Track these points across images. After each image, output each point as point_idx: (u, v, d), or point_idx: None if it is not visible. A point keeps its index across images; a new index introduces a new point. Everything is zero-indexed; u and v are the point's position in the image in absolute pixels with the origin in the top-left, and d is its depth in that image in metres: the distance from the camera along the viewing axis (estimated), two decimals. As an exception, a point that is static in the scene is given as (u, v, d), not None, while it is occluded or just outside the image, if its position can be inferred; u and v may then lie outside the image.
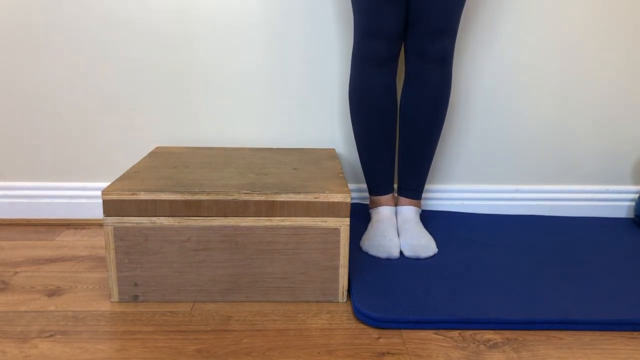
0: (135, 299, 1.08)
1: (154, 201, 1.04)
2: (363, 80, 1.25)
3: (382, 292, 1.08)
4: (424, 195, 1.58)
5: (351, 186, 1.57)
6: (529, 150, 1.56)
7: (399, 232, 1.30)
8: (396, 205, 1.37)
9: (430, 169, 1.49)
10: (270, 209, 1.05)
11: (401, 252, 1.26)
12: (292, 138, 1.53)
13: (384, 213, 1.33)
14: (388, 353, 0.92)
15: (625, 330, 1.00)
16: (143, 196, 1.04)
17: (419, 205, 1.37)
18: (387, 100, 1.27)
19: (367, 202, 1.58)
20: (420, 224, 1.33)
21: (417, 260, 1.24)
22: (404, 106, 1.30)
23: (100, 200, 1.54)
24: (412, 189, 1.35)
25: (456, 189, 1.57)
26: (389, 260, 1.23)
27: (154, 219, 1.04)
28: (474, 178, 1.58)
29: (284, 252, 1.07)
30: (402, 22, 1.20)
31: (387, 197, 1.35)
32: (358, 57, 1.24)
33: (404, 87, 1.30)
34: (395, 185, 1.51)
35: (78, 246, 1.35)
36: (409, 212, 1.34)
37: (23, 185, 1.52)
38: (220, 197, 1.04)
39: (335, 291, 1.09)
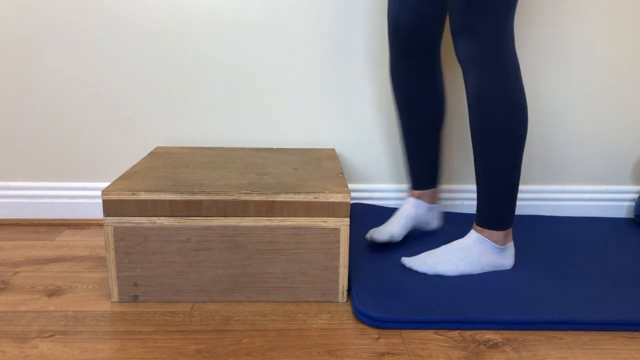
0: (135, 299, 1.08)
1: (154, 201, 1.04)
2: (391, 67, 1.28)
3: (382, 292, 1.08)
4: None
5: (351, 186, 1.57)
6: (529, 150, 1.56)
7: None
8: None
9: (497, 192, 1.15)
10: (270, 209, 1.05)
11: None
12: (292, 138, 1.53)
13: (405, 204, 1.34)
14: (388, 353, 0.92)
15: (625, 330, 0.99)
16: (143, 196, 1.03)
17: (488, 235, 1.17)
18: (410, 92, 1.26)
19: (366, 201, 1.58)
20: (461, 249, 1.17)
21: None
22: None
23: (100, 200, 1.54)
24: (478, 215, 1.18)
25: (457, 189, 1.57)
26: (389, 261, 1.23)
27: (153, 219, 1.04)
28: (474, 178, 1.58)
29: (284, 252, 1.07)
30: (420, 17, 1.19)
31: (415, 192, 1.35)
32: (389, 43, 1.28)
33: None
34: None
35: (78, 246, 1.35)
36: (466, 238, 1.20)
37: (23, 185, 1.52)
38: (220, 197, 1.04)
39: (335, 291, 1.09)
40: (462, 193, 1.58)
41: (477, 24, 1.07)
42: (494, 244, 1.17)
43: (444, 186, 1.57)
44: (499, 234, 1.17)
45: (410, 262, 1.19)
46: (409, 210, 1.33)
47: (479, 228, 1.18)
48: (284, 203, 1.05)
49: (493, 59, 1.07)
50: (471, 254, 1.17)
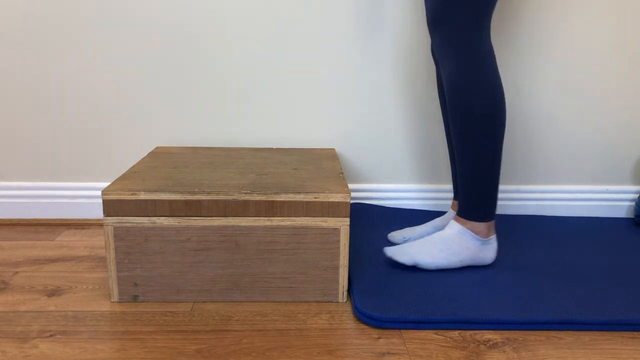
0: (135, 299, 1.08)
1: (154, 201, 1.04)
2: None
3: (382, 292, 1.08)
4: (424, 195, 1.58)
5: (351, 186, 1.57)
6: (530, 150, 1.56)
7: None
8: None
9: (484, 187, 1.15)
10: (270, 209, 1.05)
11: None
12: (292, 138, 1.53)
13: (445, 214, 1.35)
14: (388, 353, 0.92)
15: (625, 330, 0.99)
16: (143, 196, 1.04)
17: (471, 227, 1.17)
18: (442, 96, 1.29)
19: (366, 201, 1.58)
20: (442, 241, 1.17)
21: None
22: None
23: (100, 200, 1.54)
24: (460, 207, 1.18)
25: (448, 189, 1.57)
26: (389, 260, 1.23)
27: (154, 219, 1.04)
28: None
29: (284, 252, 1.07)
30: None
31: (454, 202, 1.35)
32: None
33: None
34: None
35: (78, 246, 1.35)
36: (448, 228, 1.19)
37: (23, 185, 1.52)
38: (220, 197, 1.04)
39: (335, 291, 1.09)
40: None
41: (452, 15, 1.08)
42: (476, 236, 1.17)
43: (441, 186, 1.58)
44: (481, 226, 1.16)
45: (391, 251, 1.20)
46: (437, 222, 1.34)
47: (461, 220, 1.18)
48: (284, 203, 1.05)
49: (469, 49, 1.08)
50: (452, 246, 1.17)
